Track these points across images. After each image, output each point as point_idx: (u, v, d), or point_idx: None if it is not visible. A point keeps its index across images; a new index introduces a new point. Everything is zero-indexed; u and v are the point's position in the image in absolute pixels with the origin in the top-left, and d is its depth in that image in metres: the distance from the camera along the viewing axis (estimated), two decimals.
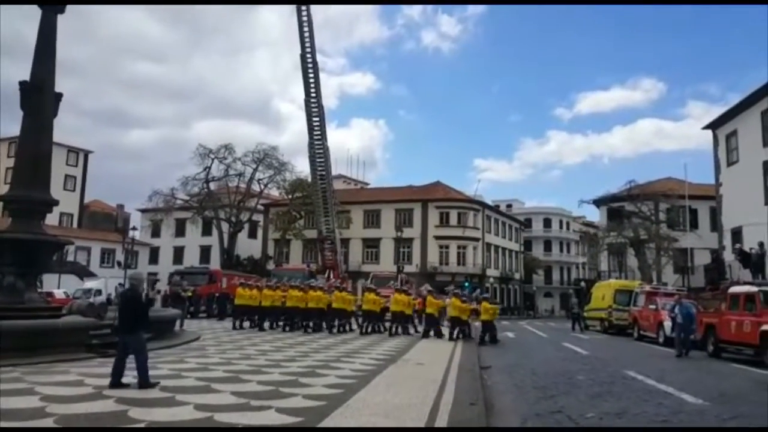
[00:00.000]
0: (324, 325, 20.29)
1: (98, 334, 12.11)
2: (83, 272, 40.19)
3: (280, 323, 20.92)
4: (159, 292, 29.27)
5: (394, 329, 19.46)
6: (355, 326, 21.31)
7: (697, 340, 17.50)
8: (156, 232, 58.15)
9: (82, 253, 49.68)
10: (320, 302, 20.39)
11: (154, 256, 60.12)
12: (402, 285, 26.43)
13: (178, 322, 19.10)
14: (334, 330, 19.74)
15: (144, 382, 7.75)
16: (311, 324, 20.11)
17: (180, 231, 55.97)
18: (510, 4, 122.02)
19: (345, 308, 20.46)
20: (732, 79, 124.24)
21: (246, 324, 20.90)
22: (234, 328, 20.48)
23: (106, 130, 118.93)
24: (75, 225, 57.69)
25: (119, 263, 41.97)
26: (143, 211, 57.71)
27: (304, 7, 32.19)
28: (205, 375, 9.13)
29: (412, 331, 20.10)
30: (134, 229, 42.78)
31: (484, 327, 19.07)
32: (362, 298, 21.77)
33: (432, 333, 18.81)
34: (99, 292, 34.12)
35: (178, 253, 60.59)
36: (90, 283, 35.91)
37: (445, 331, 19.28)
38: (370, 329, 19.91)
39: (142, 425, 5.81)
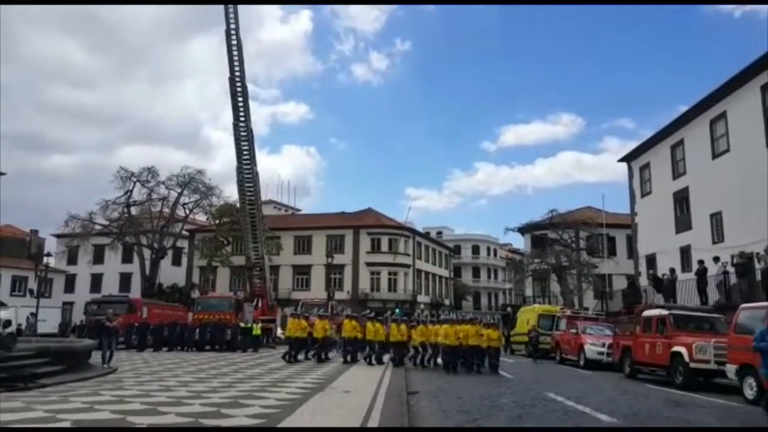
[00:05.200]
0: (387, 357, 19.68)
1: (5, 367, 11.39)
2: None
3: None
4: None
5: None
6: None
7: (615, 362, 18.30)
8: (72, 259, 55.02)
9: None
10: (378, 335, 19.51)
11: (70, 285, 56.93)
12: (332, 312, 26.41)
13: (105, 356, 17.86)
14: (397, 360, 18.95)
15: None
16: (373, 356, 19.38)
17: (98, 258, 53.44)
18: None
19: (401, 340, 19.35)
20: (644, 116, 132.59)
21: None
22: (287, 360, 19.50)
23: (24, 154, 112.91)
24: None
25: (32, 291, 39.55)
26: (59, 236, 54.59)
27: (233, 29, 31.82)
28: (121, 408, 8.71)
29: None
30: (48, 255, 40.55)
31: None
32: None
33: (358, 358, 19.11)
34: (9, 322, 31.92)
35: (96, 281, 57.61)
36: None
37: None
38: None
39: None
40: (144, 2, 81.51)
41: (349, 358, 19.49)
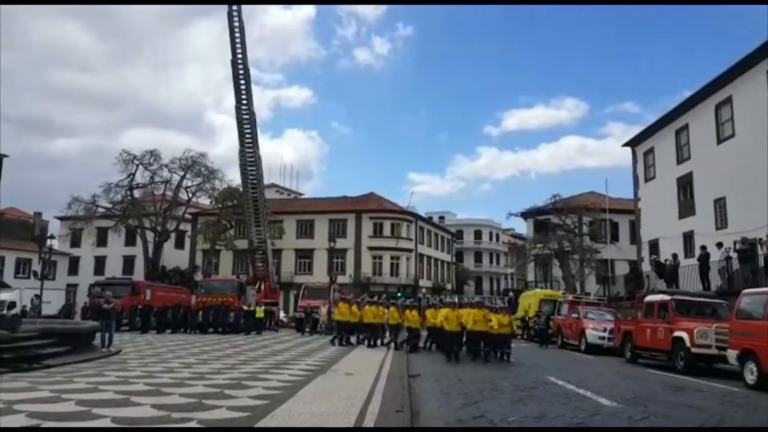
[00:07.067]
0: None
1: (10, 348, 11.49)
2: None
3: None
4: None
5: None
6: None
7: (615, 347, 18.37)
8: (76, 242, 55.21)
9: None
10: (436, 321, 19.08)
11: (73, 267, 57.16)
12: (334, 295, 26.60)
13: (104, 340, 17.74)
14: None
15: None
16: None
17: (102, 240, 53.49)
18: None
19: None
20: (649, 100, 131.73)
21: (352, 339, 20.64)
22: (333, 343, 20.06)
23: (28, 137, 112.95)
24: None
25: (35, 274, 39.63)
26: (62, 219, 54.74)
27: (235, 11, 31.59)
28: (125, 388, 8.79)
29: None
30: (52, 237, 40.57)
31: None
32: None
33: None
34: (13, 304, 32.19)
35: (100, 264, 57.90)
36: (3, 295, 33.82)
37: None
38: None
39: None
40: (146, 2, 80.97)
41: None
